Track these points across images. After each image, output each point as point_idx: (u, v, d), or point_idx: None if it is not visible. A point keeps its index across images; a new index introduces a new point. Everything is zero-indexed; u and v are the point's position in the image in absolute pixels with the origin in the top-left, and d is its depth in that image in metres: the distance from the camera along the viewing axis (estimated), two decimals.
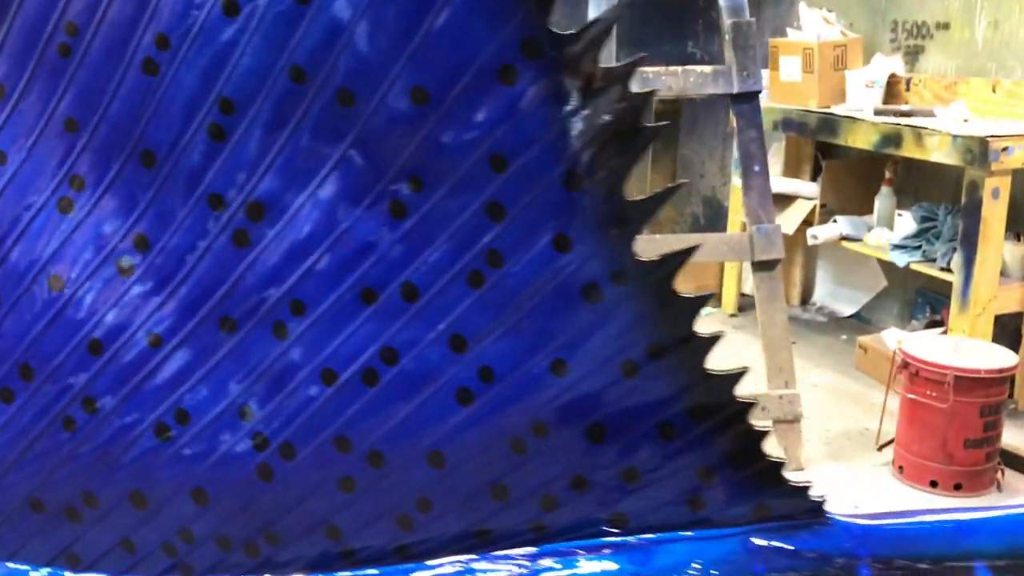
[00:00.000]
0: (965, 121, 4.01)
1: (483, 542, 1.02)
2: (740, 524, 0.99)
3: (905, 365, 3.40)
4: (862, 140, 4.22)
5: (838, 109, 4.47)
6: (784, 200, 4.81)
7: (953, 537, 0.99)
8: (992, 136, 3.66)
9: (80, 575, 1.09)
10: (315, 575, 1.05)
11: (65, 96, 1.03)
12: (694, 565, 0.98)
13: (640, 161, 0.93)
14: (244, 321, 1.01)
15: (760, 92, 3.65)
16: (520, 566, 1.01)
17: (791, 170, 5.06)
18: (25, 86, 1.04)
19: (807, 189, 4.79)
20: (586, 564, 1.00)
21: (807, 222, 4.73)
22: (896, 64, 4.60)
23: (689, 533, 0.99)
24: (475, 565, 1.02)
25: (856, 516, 1.02)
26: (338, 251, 0.98)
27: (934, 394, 3.32)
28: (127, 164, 1.02)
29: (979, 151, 3.65)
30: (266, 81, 0.97)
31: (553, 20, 0.90)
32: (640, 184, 5.34)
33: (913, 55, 4.64)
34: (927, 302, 4.59)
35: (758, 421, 0.97)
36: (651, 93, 0.94)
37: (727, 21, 3.61)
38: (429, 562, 1.03)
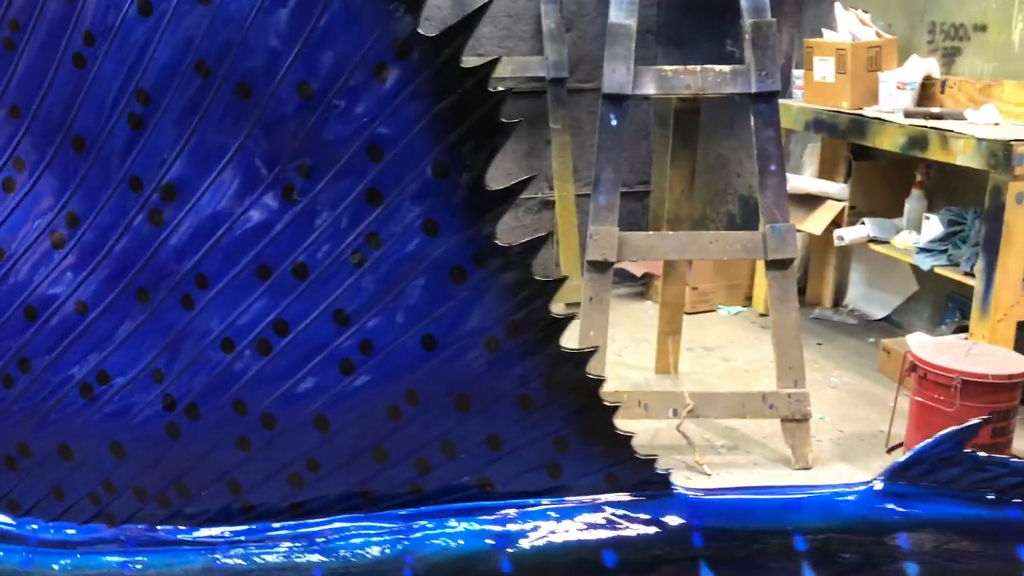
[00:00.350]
0: (996, 124, 3.96)
1: (367, 501, 1.11)
2: (592, 492, 1.06)
3: (913, 368, 3.39)
4: (889, 142, 4.19)
5: (869, 110, 4.44)
6: (814, 201, 4.79)
7: (777, 511, 1.05)
8: (1016, 140, 3.61)
9: (20, 520, 1.21)
10: (219, 527, 1.15)
11: (10, 85, 1.14)
12: (553, 529, 1.06)
13: (498, 152, 1.01)
14: (157, 293, 1.12)
15: (778, 92, 3.66)
16: (399, 525, 1.10)
17: (825, 171, 5.03)
18: None
19: (837, 190, 4.76)
20: (457, 525, 1.09)
21: (836, 223, 4.71)
22: (932, 66, 4.55)
23: (548, 500, 1.07)
24: (360, 523, 1.11)
25: (694, 490, 1.09)
26: (238, 231, 1.09)
27: (941, 398, 3.30)
28: (61, 148, 1.14)
29: (1003, 155, 3.61)
30: (176, 74, 1.07)
31: (421, 22, 0.99)
32: (659, 181, 5.37)
33: (950, 57, 4.58)
34: (957, 307, 4.53)
35: (608, 397, 1.04)
36: (506, 92, 1.01)
37: (747, 21, 3.63)
38: (319, 518, 1.12)
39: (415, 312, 1.05)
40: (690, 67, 3.68)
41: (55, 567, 1.16)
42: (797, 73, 5.05)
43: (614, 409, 1.05)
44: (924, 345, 3.53)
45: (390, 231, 1.03)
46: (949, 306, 4.61)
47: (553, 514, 1.06)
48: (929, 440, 1.06)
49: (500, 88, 1.01)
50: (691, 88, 3.68)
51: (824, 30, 4.84)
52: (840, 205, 4.70)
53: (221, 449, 1.12)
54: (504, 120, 0.99)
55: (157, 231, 1.11)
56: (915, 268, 4.59)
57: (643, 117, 5.59)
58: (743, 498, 1.08)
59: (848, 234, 4.53)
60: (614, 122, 3.67)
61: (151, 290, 1.12)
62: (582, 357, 1.04)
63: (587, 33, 5.40)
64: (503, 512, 1.07)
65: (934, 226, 4.25)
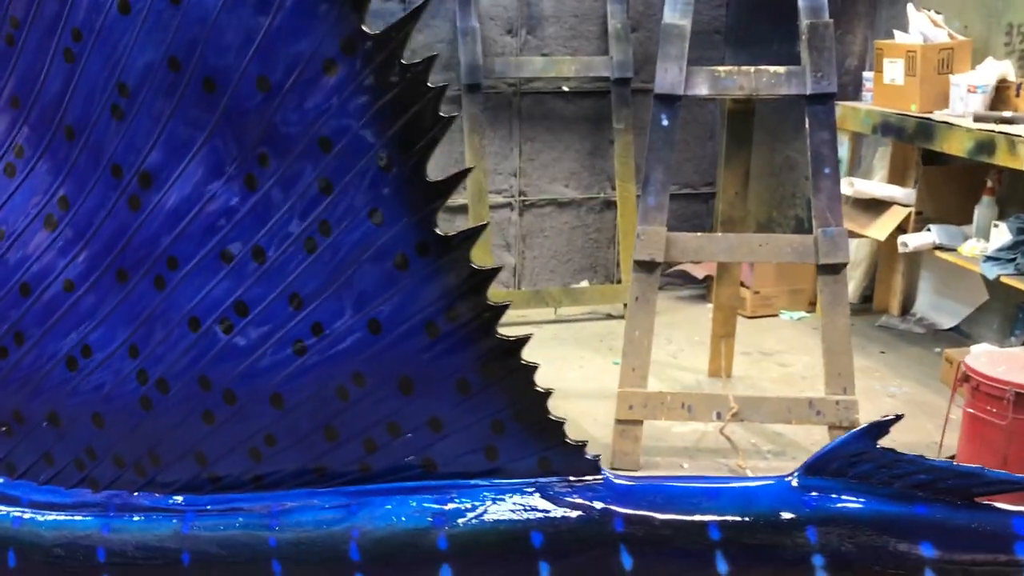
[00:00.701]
0: None
1: (320, 477, 1.17)
2: (527, 476, 1.10)
3: (966, 378, 3.29)
4: (957, 147, 4.08)
5: (938, 114, 4.33)
6: (880, 206, 4.68)
7: (697, 500, 1.06)
8: None
9: (15, 482, 1.30)
10: (188, 495, 1.22)
11: (11, 78, 1.23)
12: (487, 509, 1.09)
13: (436, 145, 1.05)
14: (134, 273, 1.19)
15: (834, 94, 3.60)
16: (348, 501, 1.15)
17: (896, 176, 4.91)
18: None
19: (904, 195, 4.64)
20: (400, 503, 1.13)
21: (902, 229, 4.59)
22: (1007, 69, 4.40)
23: (485, 481, 1.10)
24: (313, 498, 1.17)
25: (623, 476, 1.11)
26: (204, 216, 1.15)
27: (994, 410, 3.20)
28: (55, 136, 1.22)
29: None
30: (151, 69, 1.14)
31: (365, 20, 1.03)
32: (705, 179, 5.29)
33: None
34: None
35: (543, 386, 1.07)
36: (444, 87, 1.05)
37: (804, 21, 3.58)
38: (276, 491, 1.18)
39: (361, 297, 1.10)
40: (744, 68, 3.65)
41: (43, 528, 1.25)
42: (868, 75, 4.94)
43: (547, 395, 1.08)
44: (979, 355, 3.43)
45: (339, 219, 1.09)
46: (1020, 317, 4.45)
47: (488, 495, 1.10)
48: (844, 435, 1.06)
49: (440, 84, 1.05)
50: (744, 89, 3.64)
51: (896, 32, 4.73)
52: (907, 211, 4.59)
53: (188, 422, 1.19)
54: (442, 114, 1.04)
55: (135, 216, 1.18)
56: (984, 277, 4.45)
57: (709, 118, 5.54)
58: (667, 485, 1.10)
59: (912, 240, 4.42)
60: (665, 122, 3.67)
61: (129, 271, 1.19)
62: (519, 343, 1.07)
63: (653, 34, 5.37)
64: (443, 492, 1.12)
65: (1003, 234, 4.12)
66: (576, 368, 4.51)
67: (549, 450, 1.09)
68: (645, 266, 3.65)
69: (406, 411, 1.11)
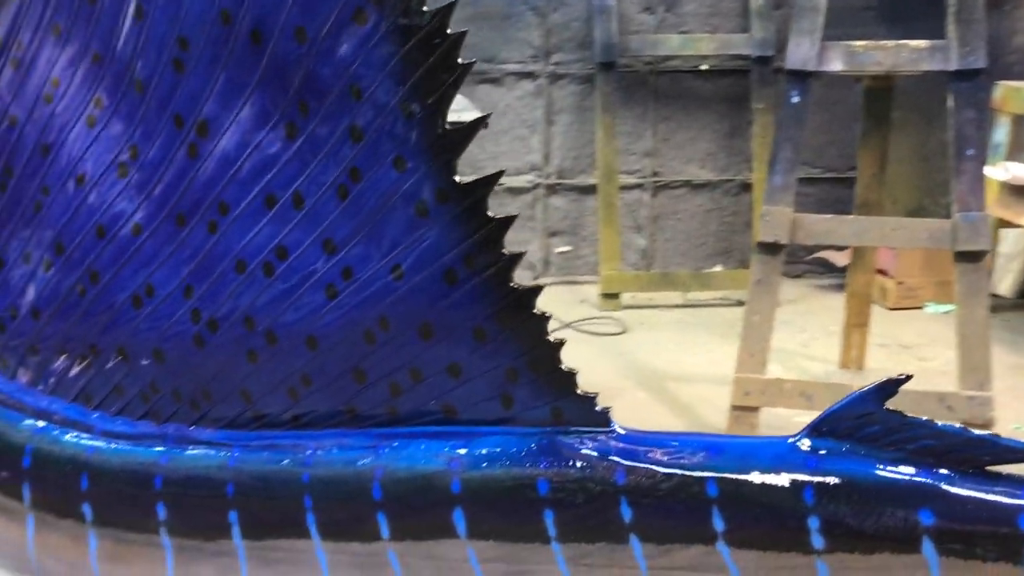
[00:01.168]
0: None
1: (350, 419, 1.20)
2: (540, 424, 1.10)
3: None
4: None
5: None
6: None
7: (699, 455, 1.03)
8: None
9: (90, 411, 1.39)
10: (236, 432, 1.28)
11: (93, 36, 1.33)
12: (499, 456, 1.10)
13: (454, 93, 1.06)
14: (190, 217, 1.26)
15: (982, 70, 3.37)
16: (374, 442, 1.18)
17: None
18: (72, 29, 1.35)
19: None
20: (421, 446, 1.15)
21: None
22: None
23: (500, 428, 1.11)
24: (343, 438, 1.21)
25: (628, 428, 1.09)
26: (251, 163, 1.21)
27: None
28: (128, 90, 1.30)
29: None
30: (205, 24, 1.20)
31: None
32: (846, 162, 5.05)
33: None
34: None
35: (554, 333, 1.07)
36: (463, 33, 1.06)
37: None
38: (311, 431, 1.23)
39: (386, 243, 1.12)
40: (883, 42, 3.48)
41: (113, 456, 1.34)
42: None
43: (559, 345, 1.07)
44: None
45: (367, 166, 1.11)
46: None
47: (502, 442, 1.10)
48: (851, 395, 1.00)
49: (461, 30, 1.06)
50: (882, 65, 3.47)
51: None
52: None
53: (235, 361, 1.25)
54: (461, 61, 1.05)
55: (192, 163, 1.25)
56: None
57: (855, 99, 5.30)
58: (674, 440, 1.07)
59: None
60: (796, 99, 3.53)
61: (186, 215, 1.26)
62: (532, 292, 1.07)
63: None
64: (461, 437, 1.13)
65: None
66: (701, 353, 4.43)
67: (561, 400, 1.09)
68: (768, 248, 3.54)
69: (427, 357, 1.13)
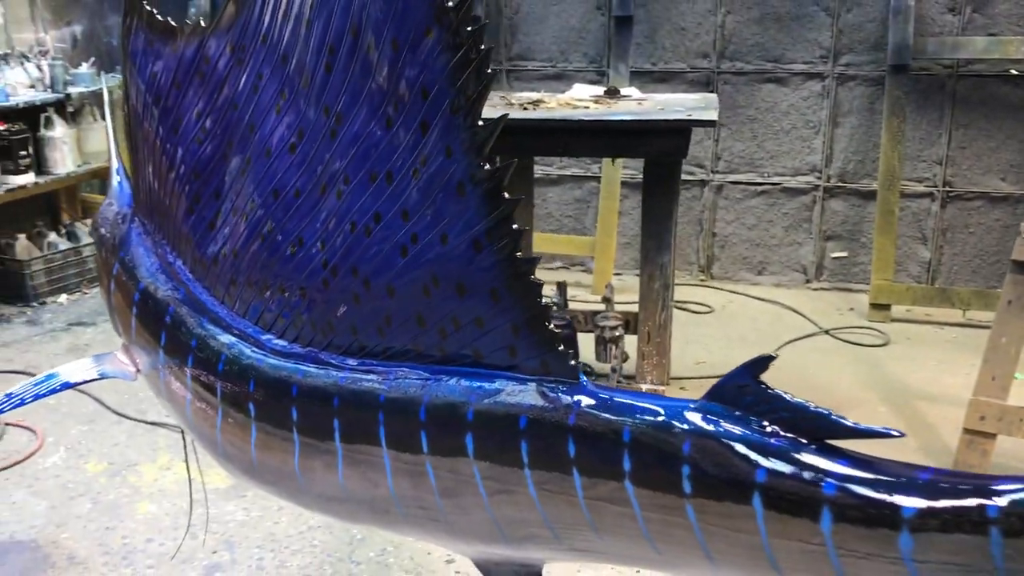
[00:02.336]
0: None
1: (416, 356, 1.49)
2: (534, 373, 1.33)
3: None
4: None
5: None
6: None
7: (626, 408, 1.20)
8: None
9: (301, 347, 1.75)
10: (345, 358, 1.61)
11: (285, 42, 1.72)
12: (502, 394, 1.34)
13: (487, 93, 1.31)
14: (329, 187, 1.61)
15: None
16: (428, 375, 1.46)
17: None
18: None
19: None
20: (456, 381, 1.42)
21: None
22: None
23: (507, 374, 1.35)
24: (411, 370, 1.50)
25: (595, 384, 1.28)
26: (364, 147, 1.53)
27: None
28: (299, 86, 1.68)
29: None
30: (343, 35, 1.54)
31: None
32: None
33: None
34: None
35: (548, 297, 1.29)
36: (491, 48, 1.30)
37: None
38: (392, 363, 1.53)
39: (438, 215, 1.39)
40: None
41: (270, 368, 1.72)
42: None
43: (550, 309, 1.29)
44: None
45: (430, 153, 1.39)
46: None
47: (505, 384, 1.35)
48: (736, 368, 1.12)
49: (488, 46, 1.30)
50: None
51: None
52: None
53: (346, 302, 1.58)
54: (489, 71, 1.30)
55: (330, 144, 1.60)
56: None
57: None
58: (623, 396, 1.25)
59: None
60: None
61: (327, 185, 1.61)
62: (532, 262, 1.31)
63: None
64: (480, 378, 1.38)
65: None
66: (961, 375, 4.18)
67: (547, 355, 1.31)
68: (1023, 267, 3.31)
69: (462, 310, 1.39)
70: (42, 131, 5.56)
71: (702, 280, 5.61)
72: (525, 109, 3.71)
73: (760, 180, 5.35)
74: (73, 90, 5.72)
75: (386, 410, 1.51)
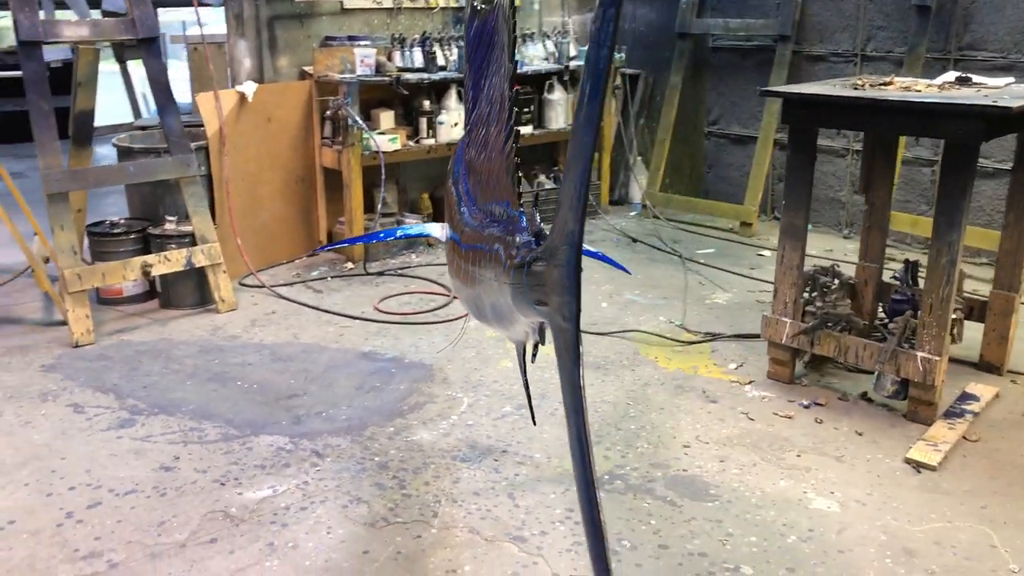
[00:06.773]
0: None
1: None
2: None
3: None
4: None
5: None
6: None
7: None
8: None
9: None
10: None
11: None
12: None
13: (517, 67, 2.19)
14: (474, 143, 2.59)
15: None
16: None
17: None
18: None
19: None
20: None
21: None
22: None
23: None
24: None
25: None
26: (488, 111, 2.46)
27: None
28: (471, 69, 2.69)
29: None
30: (481, 43, 2.52)
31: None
32: None
33: None
34: None
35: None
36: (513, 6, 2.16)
37: None
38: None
39: (502, 159, 2.26)
40: None
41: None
42: None
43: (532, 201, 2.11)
44: None
45: (508, 133, 2.13)
46: None
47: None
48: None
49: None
50: None
51: None
52: None
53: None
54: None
55: (475, 110, 2.56)
56: None
57: None
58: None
59: None
60: None
61: (480, 144, 2.54)
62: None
63: None
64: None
65: None
66: None
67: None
68: None
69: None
70: (544, 94, 7.08)
71: None
72: (856, 89, 4.14)
73: None
74: (573, 64, 7.04)
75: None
